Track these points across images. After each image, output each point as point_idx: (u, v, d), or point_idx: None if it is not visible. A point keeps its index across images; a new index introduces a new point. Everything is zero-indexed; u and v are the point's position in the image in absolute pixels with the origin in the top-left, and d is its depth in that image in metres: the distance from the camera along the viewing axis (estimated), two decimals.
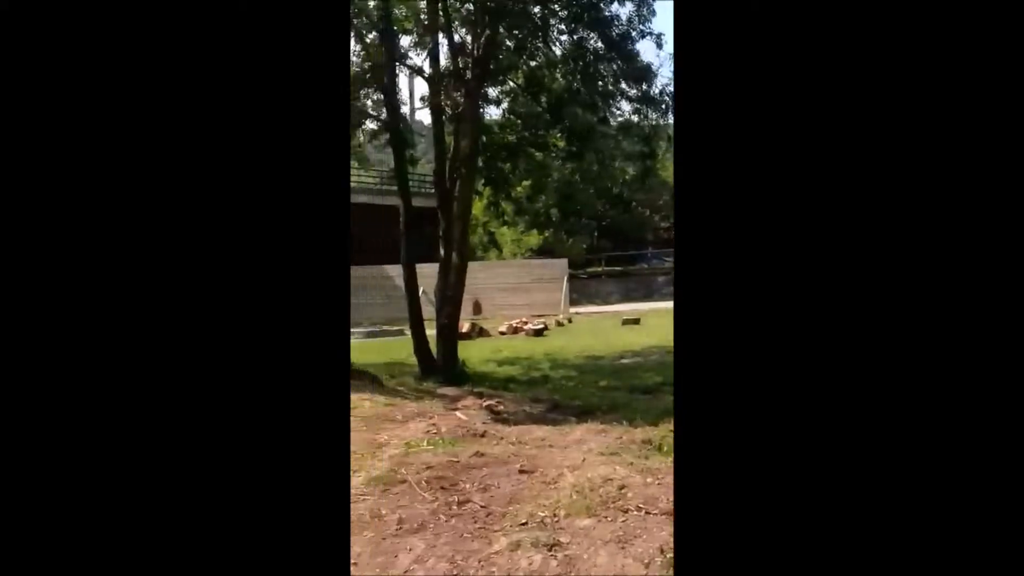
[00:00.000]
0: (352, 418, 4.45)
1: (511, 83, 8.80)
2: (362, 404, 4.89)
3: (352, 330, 13.40)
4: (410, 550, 2.35)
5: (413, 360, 7.79)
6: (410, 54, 8.60)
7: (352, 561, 2.30)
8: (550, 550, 2.22)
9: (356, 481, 3.11)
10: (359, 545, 2.41)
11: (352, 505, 2.80)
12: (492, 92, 8.81)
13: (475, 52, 7.65)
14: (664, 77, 11.70)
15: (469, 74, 7.68)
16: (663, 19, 26.33)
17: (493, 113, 9.49)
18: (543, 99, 8.56)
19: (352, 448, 3.63)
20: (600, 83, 8.23)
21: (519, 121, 9.00)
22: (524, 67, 8.48)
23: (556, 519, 2.51)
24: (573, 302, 17.02)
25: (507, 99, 9.02)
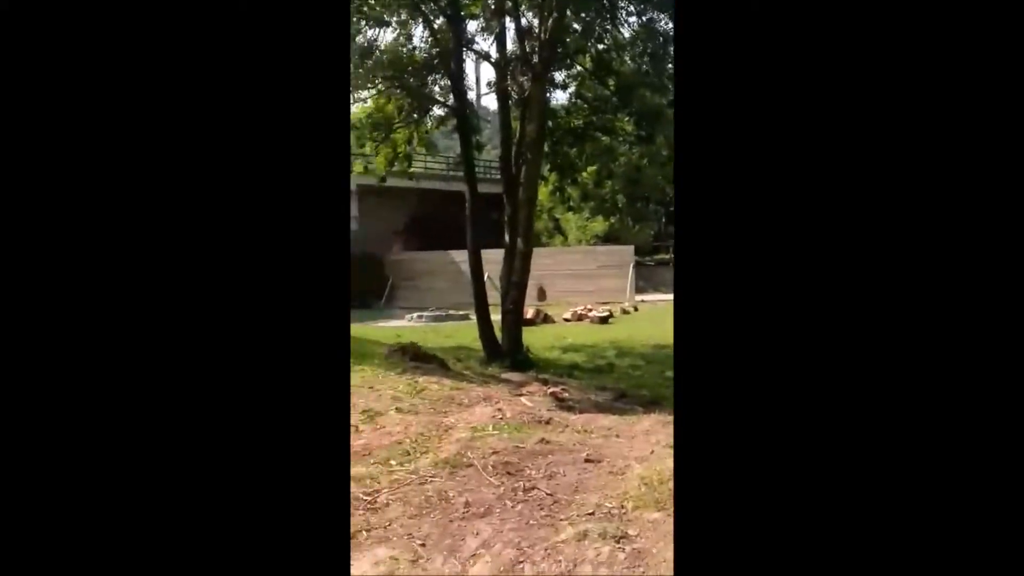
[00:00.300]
0: (420, 400, 4.54)
1: (579, 67, 8.67)
2: (429, 387, 4.97)
3: (419, 314, 13.68)
4: (477, 534, 2.37)
5: (478, 345, 7.86)
6: (477, 39, 8.60)
7: (420, 542, 2.34)
8: (618, 542, 2.19)
9: (424, 462, 3.17)
10: (427, 526, 2.45)
11: (420, 486, 2.84)
12: (559, 76, 8.71)
13: (542, 36, 7.56)
14: None
15: (536, 58, 7.61)
16: None
17: (560, 98, 9.41)
18: (611, 82, 8.40)
19: (419, 430, 3.70)
20: (670, 65, 7.99)
21: (586, 105, 8.87)
22: (592, 50, 8.33)
23: (624, 511, 2.48)
24: (639, 289, 16.76)
25: (574, 83, 8.90)
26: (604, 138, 9.17)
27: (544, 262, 14.55)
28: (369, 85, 8.17)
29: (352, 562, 2.24)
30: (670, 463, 2.93)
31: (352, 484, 2.91)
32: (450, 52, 7.99)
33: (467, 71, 10.57)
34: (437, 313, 13.73)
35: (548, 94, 8.31)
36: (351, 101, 8.31)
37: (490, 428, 3.74)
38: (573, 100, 9.10)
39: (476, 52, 8.79)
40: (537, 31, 7.72)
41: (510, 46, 8.15)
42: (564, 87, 8.92)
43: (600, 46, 8.31)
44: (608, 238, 20.77)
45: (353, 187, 17.56)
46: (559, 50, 7.85)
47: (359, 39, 7.82)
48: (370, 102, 8.68)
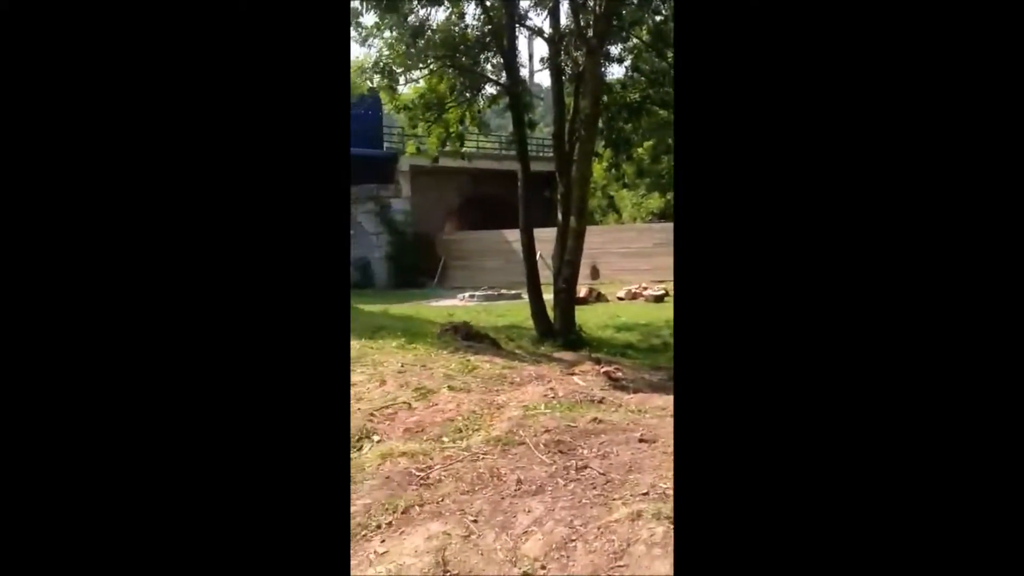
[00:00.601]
0: (471, 378, 4.56)
1: (635, 39, 8.45)
2: (481, 365, 4.99)
3: (471, 293, 13.77)
4: (529, 511, 2.36)
5: (530, 324, 7.85)
6: (530, 14, 8.48)
7: (472, 518, 2.35)
8: (672, 523, 2.14)
9: (476, 439, 3.18)
10: (480, 502, 2.46)
11: (472, 463, 2.86)
12: (614, 50, 8.52)
13: (597, 9, 7.38)
14: None
15: (591, 32, 7.44)
16: None
17: (615, 72, 9.21)
18: (670, 54, 8.14)
19: (471, 408, 3.71)
20: None
21: (643, 78, 8.65)
22: (649, 22, 8.10)
23: None
24: None
25: (630, 56, 8.68)
26: (662, 112, 8.93)
27: (597, 240, 14.39)
28: (421, 65, 8.18)
29: (405, 536, 2.27)
30: None
31: (405, 460, 2.95)
32: (503, 29, 7.90)
33: (520, 48, 10.48)
34: (489, 292, 13.79)
35: (603, 68, 8.14)
36: (403, 82, 8.35)
37: (542, 407, 3.72)
38: (629, 74, 8.89)
39: (529, 28, 8.69)
40: (592, 4, 7.55)
41: (564, 20, 8.00)
42: (620, 61, 8.72)
43: (658, 17, 8.07)
44: (665, 215, 20.33)
45: (405, 167, 17.77)
46: (615, 23, 7.66)
47: (411, 19, 7.82)
48: (422, 82, 8.70)
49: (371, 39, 7.89)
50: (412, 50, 7.80)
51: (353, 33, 7.84)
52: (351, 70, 7.96)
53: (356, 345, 5.69)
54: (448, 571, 2.06)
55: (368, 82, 8.06)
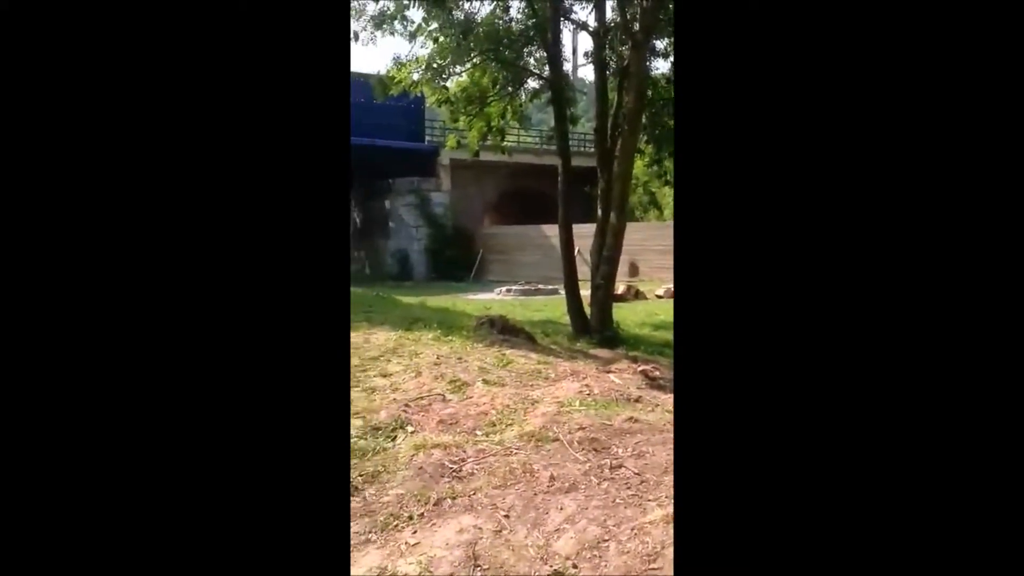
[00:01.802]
0: (506, 373, 4.55)
1: None
2: (516, 360, 4.97)
3: (508, 287, 13.78)
4: (561, 509, 2.34)
5: (567, 319, 7.81)
6: (575, 8, 8.38)
7: (504, 513, 2.34)
8: None
9: (509, 434, 3.17)
10: (512, 498, 2.45)
11: (504, 458, 2.85)
12: (660, 44, 8.36)
13: (643, 3, 7.26)
14: None
15: (636, 26, 7.32)
16: None
17: (661, 67, 9.03)
18: None
19: (505, 402, 3.70)
20: None
21: None
22: None
23: None
24: None
25: None
26: None
27: (638, 237, 14.22)
28: (465, 59, 8.18)
29: (436, 529, 2.28)
30: None
31: (438, 452, 2.96)
32: (547, 22, 7.84)
33: (564, 42, 10.33)
34: (526, 287, 13.77)
35: (648, 63, 8.00)
36: (447, 76, 8.36)
37: (577, 404, 3.69)
38: (675, 69, 8.72)
39: (573, 22, 8.59)
40: None
41: (609, 14, 7.90)
42: (665, 56, 8.56)
43: None
44: None
45: (446, 161, 17.87)
46: (661, 17, 7.51)
47: (456, 14, 7.82)
48: (464, 76, 8.69)
49: (418, 36, 7.92)
50: (458, 47, 7.79)
51: (399, 27, 7.88)
52: (401, 67, 8.01)
53: (393, 336, 5.74)
54: (479, 566, 2.05)
55: (413, 76, 8.10)
